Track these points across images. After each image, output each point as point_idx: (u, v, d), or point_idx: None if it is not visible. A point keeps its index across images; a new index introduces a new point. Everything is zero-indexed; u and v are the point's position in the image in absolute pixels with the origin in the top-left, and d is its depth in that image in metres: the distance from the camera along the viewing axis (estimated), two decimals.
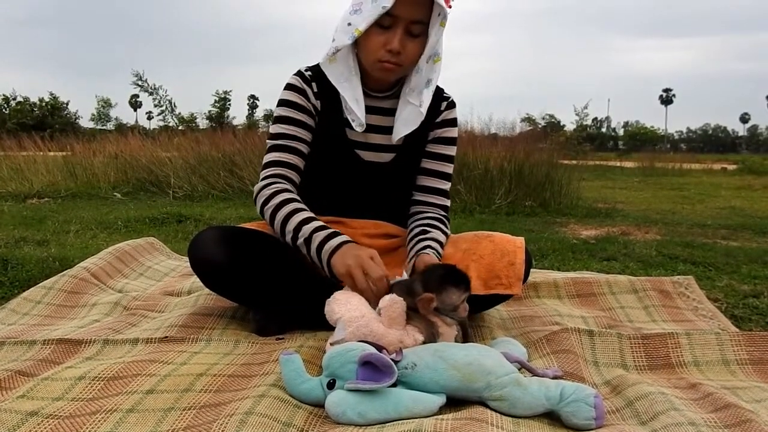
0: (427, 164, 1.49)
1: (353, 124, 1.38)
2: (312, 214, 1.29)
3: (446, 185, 1.49)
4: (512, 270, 1.30)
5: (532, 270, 2.09)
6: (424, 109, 1.39)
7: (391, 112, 1.43)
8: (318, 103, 1.41)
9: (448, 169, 1.50)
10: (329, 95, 1.40)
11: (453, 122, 1.50)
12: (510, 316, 1.56)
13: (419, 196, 1.49)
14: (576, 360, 1.15)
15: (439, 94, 1.47)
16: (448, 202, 1.50)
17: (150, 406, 0.94)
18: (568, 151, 7.02)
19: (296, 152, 1.41)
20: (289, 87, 1.42)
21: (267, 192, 1.36)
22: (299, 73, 1.43)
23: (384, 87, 1.42)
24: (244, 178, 5.71)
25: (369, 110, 1.41)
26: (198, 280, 1.39)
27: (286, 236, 1.30)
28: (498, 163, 5.11)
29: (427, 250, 1.30)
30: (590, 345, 1.24)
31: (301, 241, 1.26)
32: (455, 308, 1.12)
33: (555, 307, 1.63)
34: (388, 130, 1.42)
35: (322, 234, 1.23)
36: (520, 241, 1.37)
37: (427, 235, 1.37)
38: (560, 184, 5.10)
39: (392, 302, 1.08)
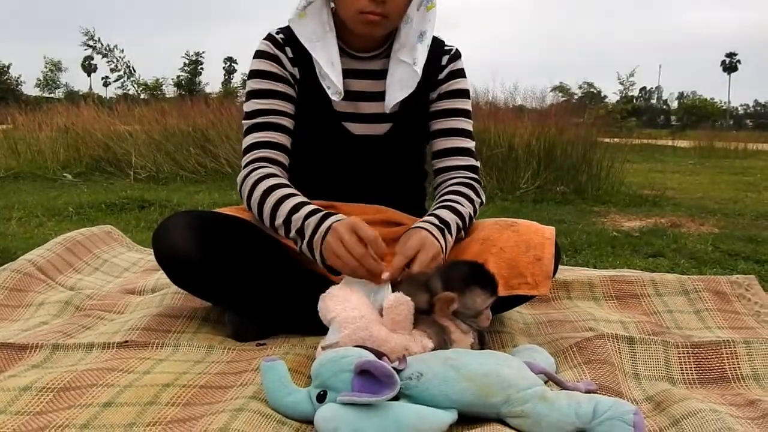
0: (439, 124, 1.48)
1: (329, 92, 1.37)
2: (304, 199, 1.29)
3: (468, 143, 1.49)
4: (539, 267, 1.30)
5: (563, 267, 2.11)
6: (419, 68, 1.39)
7: (383, 75, 1.42)
8: (296, 71, 1.41)
9: (466, 125, 1.49)
10: (308, 60, 1.40)
11: (460, 73, 1.49)
12: (535, 321, 1.57)
13: (439, 163, 1.49)
14: (613, 372, 1.16)
15: (438, 47, 1.46)
16: (475, 162, 1.50)
17: (107, 422, 0.96)
18: (609, 127, 7.02)
19: (280, 129, 1.41)
20: (259, 55, 1.42)
21: (250, 181, 1.36)
22: (269, 37, 1.42)
23: (370, 45, 1.41)
24: (219, 157, 5.73)
25: (355, 74, 1.41)
26: (164, 275, 1.40)
27: (278, 231, 1.31)
28: (524, 140, 5.11)
29: (426, 222, 1.27)
30: (630, 354, 1.25)
31: (293, 233, 1.26)
32: (477, 314, 1.14)
33: (589, 311, 1.64)
34: (381, 97, 1.42)
35: (315, 218, 1.23)
36: (550, 231, 1.37)
37: (441, 202, 1.38)
38: (599, 167, 5.10)
39: (398, 302, 1.09)
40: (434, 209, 1.37)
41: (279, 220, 1.29)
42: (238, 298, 1.34)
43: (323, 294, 1.17)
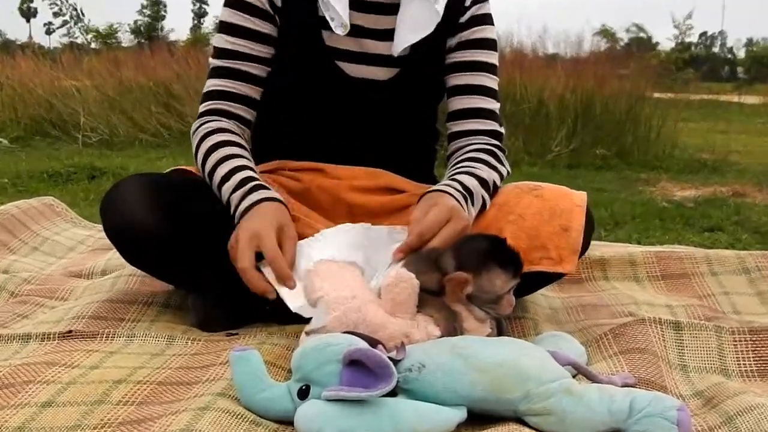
0: (457, 79, 1.49)
1: (332, 25, 1.37)
2: (243, 162, 1.35)
3: (491, 104, 1.50)
4: (565, 238, 1.31)
5: (599, 243, 2.12)
6: (441, 6, 1.39)
7: (393, 10, 1.42)
8: None
9: (490, 81, 1.50)
10: None
11: (486, 19, 1.50)
12: (564, 305, 1.58)
13: (454, 126, 1.50)
14: (655, 363, 1.17)
15: None
16: (499, 127, 1.51)
17: (47, 424, 0.96)
18: (661, 80, 6.98)
19: (246, 78, 1.42)
20: None
21: (198, 135, 1.41)
22: None
23: None
24: (186, 116, 5.71)
25: (359, 5, 1.41)
26: (117, 254, 1.40)
27: (214, 189, 1.35)
28: (557, 94, 5.10)
29: (448, 186, 1.30)
30: (676, 342, 1.26)
31: (226, 198, 1.31)
32: (496, 300, 1.14)
33: (629, 293, 1.64)
34: (388, 36, 1.42)
35: (238, 195, 1.28)
36: (580, 197, 1.38)
37: (458, 168, 1.39)
38: (648, 126, 5.09)
39: (399, 279, 1.09)
40: (450, 176, 1.37)
41: (214, 185, 1.33)
42: (205, 278, 1.35)
43: (308, 269, 1.18)
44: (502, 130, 1.51)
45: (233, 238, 1.22)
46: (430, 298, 1.13)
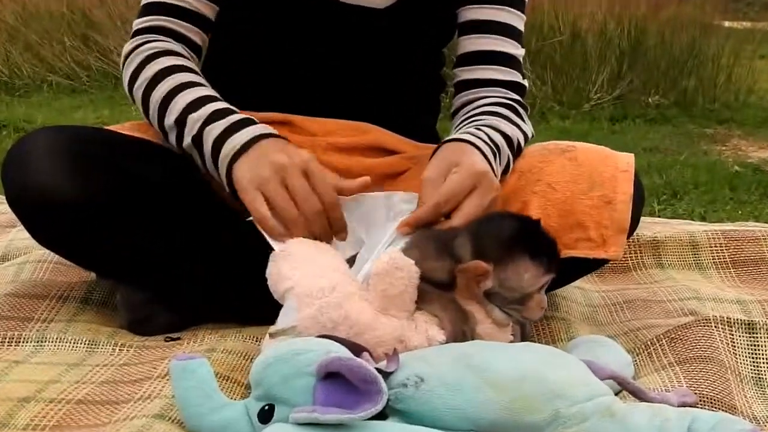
0: (471, 12, 1.50)
1: None
2: (214, 93, 1.36)
3: (513, 47, 1.51)
4: (608, 214, 1.33)
5: (650, 219, 2.13)
6: None
7: None
8: None
9: (514, 18, 1.51)
10: None
11: None
12: (605, 301, 1.59)
13: (465, 73, 1.52)
14: (723, 375, 1.17)
15: None
16: (522, 79, 1.52)
17: None
18: (734, 4, 6.94)
19: None
20: None
21: (137, 59, 1.39)
22: None
23: None
24: (110, 52, 5.67)
25: None
26: (22, 232, 1.40)
27: (168, 137, 1.35)
28: (597, 24, 5.08)
29: (472, 135, 1.31)
30: (750, 349, 1.27)
31: (188, 140, 1.31)
32: (523, 299, 1.14)
33: (691, 285, 1.65)
34: None
35: (224, 122, 1.28)
36: (626, 160, 1.39)
37: (473, 122, 1.40)
38: (716, 66, 5.08)
39: (392, 265, 1.09)
40: (467, 128, 1.38)
41: (170, 118, 1.32)
42: (138, 264, 1.36)
43: (275, 252, 1.18)
44: (525, 83, 1.52)
45: (256, 178, 1.22)
46: (434, 292, 1.13)
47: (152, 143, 1.39)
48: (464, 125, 1.41)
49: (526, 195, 1.33)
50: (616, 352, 1.22)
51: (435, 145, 1.36)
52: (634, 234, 1.55)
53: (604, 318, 1.51)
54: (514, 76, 1.50)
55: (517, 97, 1.49)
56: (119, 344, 1.32)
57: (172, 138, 1.34)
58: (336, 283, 1.12)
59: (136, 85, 1.38)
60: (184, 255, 1.37)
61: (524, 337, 1.20)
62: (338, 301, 1.10)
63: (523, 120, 1.46)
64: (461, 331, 1.12)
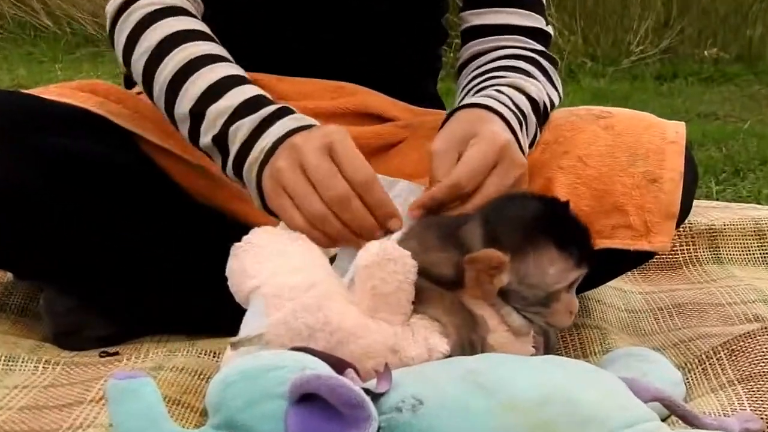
0: None
1: None
2: (239, 70, 1.35)
3: None
4: (653, 196, 1.34)
5: (704, 203, 2.14)
6: None
7: None
8: None
9: None
10: None
11: None
12: (650, 305, 1.60)
13: (475, 17, 1.53)
14: None
15: None
16: (545, 25, 1.53)
17: None
18: None
19: None
20: None
21: (135, 16, 1.37)
22: None
23: None
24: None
25: None
26: None
27: (179, 124, 1.33)
28: None
29: (492, 99, 1.31)
30: None
31: (208, 138, 1.29)
32: (547, 299, 1.13)
33: (756, 284, 1.66)
34: None
35: (255, 117, 1.26)
36: (675, 129, 1.41)
37: (489, 79, 1.40)
38: None
39: (384, 256, 1.08)
40: (485, 89, 1.38)
41: (183, 105, 1.30)
42: (66, 262, 1.37)
43: (238, 244, 1.18)
44: (551, 30, 1.53)
45: (289, 187, 1.18)
46: (436, 291, 1.13)
47: (87, 113, 1.39)
48: (477, 84, 1.41)
49: (551, 171, 1.34)
50: (662, 369, 1.21)
51: (436, 110, 1.36)
52: (686, 221, 1.55)
53: (647, 326, 1.51)
54: (536, 21, 1.50)
55: (542, 48, 1.49)
56: (43, 360, 1.31)
57: (184, 131, 1.32)
58: (313, 281, 1.11)
59: (135, 56, 1.36)
60: (124, 251, 1.37)
61: (548, 349, 1.19)
62: (316, 303, 1.09)
63: (551, 78, 1.47)
64: (469, 341, 1.11)
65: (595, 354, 1.34)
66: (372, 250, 1.09)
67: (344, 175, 1.14)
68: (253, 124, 1.25)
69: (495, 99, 1.31)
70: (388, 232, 1.16)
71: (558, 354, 1.24)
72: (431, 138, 1.27)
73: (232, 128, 1.26)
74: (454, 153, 1.21)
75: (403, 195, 1.24)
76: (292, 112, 1.26)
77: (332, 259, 1.22)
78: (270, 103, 1.27)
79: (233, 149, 1.26)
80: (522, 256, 1.10)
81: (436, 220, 1.19)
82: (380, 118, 1.50)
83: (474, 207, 1.18)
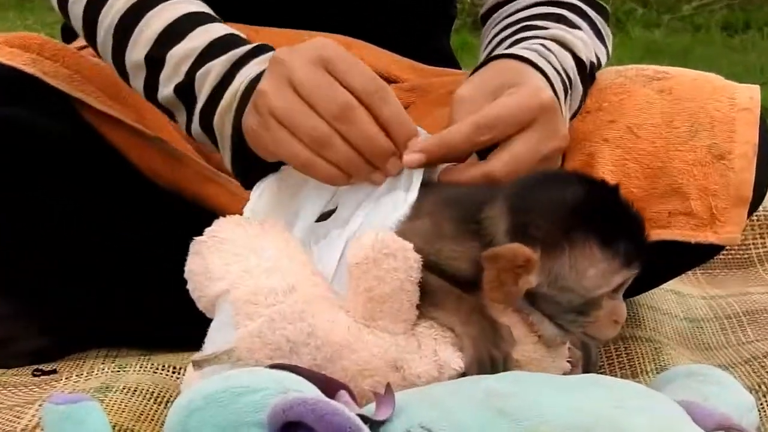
0: None
1: None
2: (205, 8, 1.36)
3: None
4: (720, 175, 1.34)
5: None
6: None
7: None
8: None
9: None
10: None
11: None
12: (716, 313, 1.60)
13: None
14: None
15: None
16: None
17: None
18: None
19: None
20: None
21: None
22: None
23: None
24: None
25: None
26: None
27: (132, 75, 1.34)
28: None
29: (529, 50, 1.31)
30: None
31: (169, 89, 1.31)
32: (587, 306, 1.12)
33: None
34: None
35: (227, 58, 1.28)
36: (747, 94, 1.41)
37: (524, 31, 1.40)
38: None
39: (379, 249, 1.08)
40: (521, 40, 1.39)
41: (136, 52, 1.32)
42: None
43: (199, 239, 1.18)
44: None
45: (283, 112, 1.15)
46: (449, 292, 1.13)
47: (15, 72, 1.39)
48: (509, 34, 1.42)
49: (594, 145, 1.34)
50: (730, 391, 1.19)
51: (448, 69, 1.36)
52: (760, 207, 1.54)
53: (712, 338, 1.50)
54: None
55: None
56: None
57: (138, 82, 1.33)
58: (294, 282, 1.11)
59: None
60: (60, 241, 1.38)
61: (588, 367, 1.19)
62: (299, 309, 1.09)
63: (599, 31, 1.48)
64: (490, 356, 1.10)
65: (647, 373, 1.34)
66: (366, 241, 1.08)
67: (347, 86, 1.13)
68: (224, 66, 1.26)
69: (537, 53, 1.31)
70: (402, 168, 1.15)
71: (600, 373, 1.24)
72: (444, 104, 1.27)
73: (199, 73, 1.27)
74: (482, 103, 1.20)
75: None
76: (270, 49, 1.27)
77: (328, 214, 1.22)
78: (244, 42, 1.28)
79: (201, 97, 1.27)
80: (555, 254, 1.10)
81: (454, 194, 1.18)
82: (384, 79, 1.49)
83: (496, 167, 1.17)
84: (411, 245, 1.08)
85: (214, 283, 1.14)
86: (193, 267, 1.17)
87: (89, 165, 1.39)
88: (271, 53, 1.23)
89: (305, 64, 1.13)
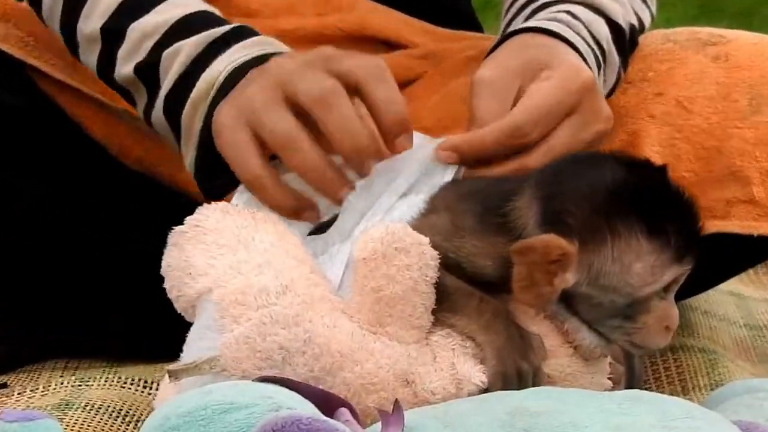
0: None
1: None
2: None
3: None
4: None
5: None
6: None
7: None
8: None
9: None
10: None
11: None
12: None
13: None
14: None
15: None
16: None
17: None
18: None
19: None
20: None
21: None
22: None
23: None
24: None
25: None
26: None
27: (83, 46, 1.34)
28: None
29: (558, 21, 1.31)
30: None
31: (128, 69, 1.31)
32: (632, 309, 1.12)
33: None
34: None
35: (199, 40, 1.28)
36: None
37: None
38: None
39: (390, 244, 1.08)
40: (539, 15, 1.39)
41: (90, 22, 1.32)
42: None
43: (179, 229, 1.18)
44: None
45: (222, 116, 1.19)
46: (471, 295, 1.13)
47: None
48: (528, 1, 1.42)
49: (638, 121, 1.34)
50: None
51: (468, 33, 1.36)
52: None
53: None
54: None
55: None
56: None
57: (91, 57, 1.34)
58: (288, 280, 1.11)
59: None
60: (13, 237, 1.38)
61: (632, 382, 1.18)
62: (294, 312, 1.08)
63: None
64: (517, 369, 1.11)
65: (700, 389, 1.34)
66: (375, 234, 1.08)
67: (337, 71, 1.15)
68: (197, 47, 1.26)
69: (565, 24, 1.31)
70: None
71: (646, 389, 1.23)
72: (461, 73, 1.27)
73: (166, 53, 1.27)
74: (510, 86, 1.21)
75: (418, 155, 1.22)
76: (254, 33, 1.27)
77: (325, 226, 1.22)
78: (221, 20, 1.29)
79: (167, 81, 1.27)
80: (595, 245, 1.09)
81: (474, 186, 1.18)
82: (387, 45, 1.51)
83: (538, 163, 1.17)
84: (427, 239, 1.08)
85: (196, 281, 1.14)
86: (170, 261, 1.17)
87: (46, 143, 1.40)
88: (256, 37, 1.25)
89: (301, 63, 1.15)
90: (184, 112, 1.25)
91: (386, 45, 1.50)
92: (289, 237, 1.18)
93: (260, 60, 1.21)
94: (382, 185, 1.19)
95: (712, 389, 1.31)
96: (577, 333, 1.13)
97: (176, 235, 1.18)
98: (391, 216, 1.16)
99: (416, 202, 1.16)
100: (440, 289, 1.09)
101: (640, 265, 1.09)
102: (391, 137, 1.14)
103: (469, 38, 1.52)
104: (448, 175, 1.17)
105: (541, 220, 1.10)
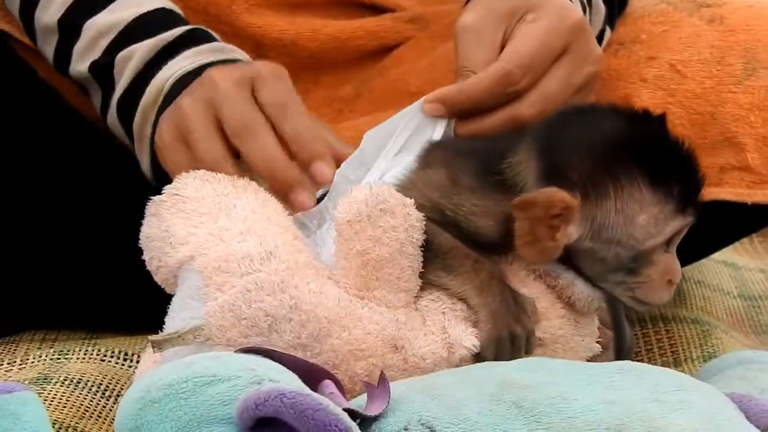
0: None
1: None
2: None
3: None
4: None
5: None
6: None
7: None
8: None
9: None
10: None
11: None
12: None
13: None
14: None
15: None
16: None
17: None
18: None
19: None
20: None
21: None
22: None
23: None
24: None
25: None
26: None
27: (42, 37, 1.35)
28: None
29: None
30: None
31: (83, 66, 1.31)
32: (635, 263, 1.13)
33: None
34: None
35: (154, 42, 1.28)
36: None
37: None
38: None
39: (375, 204, 1.08)
40: None
41: (48, 13, 1.32)
42: None
43: (158, 198, 1.17)
44: None
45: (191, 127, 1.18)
46: (465, 257, 1.13)
47: None
48: None
49: (630, 85, 1.34)
50: None
51: None
52: None
53: None
54: None
55: None
56: None
57: (48, 49, 1.34)
58: (273, 247, 1.10)
59: None
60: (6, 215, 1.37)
61: (621, 352, 1.18)
62: (279, 279, 1.08)
63: None
64: (510, 333, 1.10)
65: (693, 360, 1.34)
66: (358, 195, 1.08)
67: (259, 102, 1.16)
68: (149, 52, 1.27)
69: None
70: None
71: (637, 360, 1.23)
72: (449, 37, 1.26)
73: (120, 56, 1.28)
74: (494, 31, 1.20)
75: (406, 114, 1.21)
76: (209, 38, 1.28)
77: (319, 200, 1.21)
78: (176, 22, 1.29)
79: (120, 85, 1.27)
80: (598, 198, 1.09)
81: (468, 144, 1.18)
82: (375, 8, 1.50)
83: (530, 111, 1.17)
84: (412, 201, 1.08)
85: (177, 250, 1.13)
86: (150, 232, 1.16)
87: (26, 111, 1.40)
88: (211, 44, 1.26)
89: (232, 83, 1.16)
90: (135, 118, 1.25)
91: (373, 8, 1.49)
92: (271, 203, 1.17)
93: (205, 69, 1.22)
94: (373, 151, 1.19)
95: (704, 361, 1.30)
96: (570, 288, 1.14)
97: (155, 204, 1.17)
98: (385, 179, 1.15)
99: (409, 162, 1.16)
100: (434, 247, 1.09)
101: (644, 217, 1.09)
102: (305, 167, 1.15)
103: (456, 1, 1.51)
104: (438, 129, 1.16)
105: (542, 175, 1.10)
